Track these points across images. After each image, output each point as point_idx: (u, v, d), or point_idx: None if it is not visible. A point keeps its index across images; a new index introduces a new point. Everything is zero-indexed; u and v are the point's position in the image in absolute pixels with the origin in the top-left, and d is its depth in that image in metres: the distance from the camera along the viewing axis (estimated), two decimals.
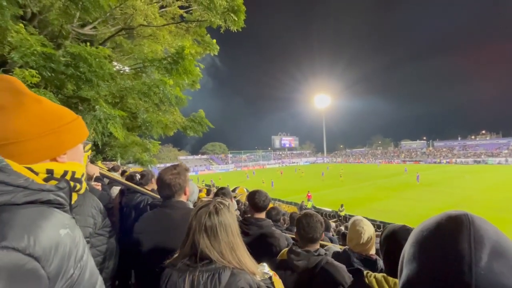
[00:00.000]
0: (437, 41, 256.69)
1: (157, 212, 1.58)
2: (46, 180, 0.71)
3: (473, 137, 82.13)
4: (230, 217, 0.98)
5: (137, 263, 1.54)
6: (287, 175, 46.19)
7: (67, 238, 0.60)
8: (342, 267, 1.42)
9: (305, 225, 1.50)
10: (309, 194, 21.10)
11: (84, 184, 0.87)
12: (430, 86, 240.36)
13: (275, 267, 1.47)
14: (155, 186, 2.84)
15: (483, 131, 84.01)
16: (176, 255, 1.00)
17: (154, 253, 1.40)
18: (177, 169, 1.53)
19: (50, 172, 0.72)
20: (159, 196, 2.36)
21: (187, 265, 0.93)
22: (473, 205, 18.02)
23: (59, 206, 0.66)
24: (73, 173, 0.80)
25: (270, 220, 2.08)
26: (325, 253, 1.50)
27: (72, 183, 0.78)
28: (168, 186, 1.49)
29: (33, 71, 3.69)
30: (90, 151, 1.72)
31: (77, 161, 0.84)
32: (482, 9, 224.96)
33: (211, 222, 0.94)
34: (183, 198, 1.57)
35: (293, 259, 1.45)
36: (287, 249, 1.57)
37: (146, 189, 2.67)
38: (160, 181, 1.51)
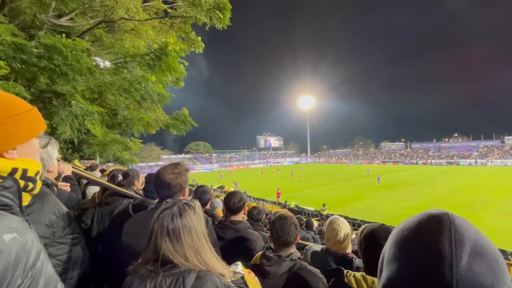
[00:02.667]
0: (415, 47, 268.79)
1: (153, 213, 1.49)
2: None
3: (446, 139, 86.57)
4: (195, 219, 0.93)
5: (122, 268, 1.44)
6: (260, 175, 46.70)
7: (14, 244, 0.54)
8: (316, 271, 1.39)
9: (278, 228, 1.46)
10: (278, 192, 22.25)
11: (39, 183, 0.79)
12: (408, 90, 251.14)
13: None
14: (138, 187, 2.69)
15: (456, 134, 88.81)
16: (138, 261, 0.93)
17: None
18: (178, 169, 1.44)
19: None
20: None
21: (150, 270, 0.87)
22: (447, 204, 19.02)
23: (5, 207, 0.59)
24: (24, 170, 0.71)
25: (247, 222, 2.04)
26: (299, 257, 1.46)
27: (22, 182, 0.70)
28: (168, 186, 1.39)
29: (2, 62, 3.43)
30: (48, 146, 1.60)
31: (30, 157, 0.75)
32: (457, 16, 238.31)
33: (174, 225, 0.89)
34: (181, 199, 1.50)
35: (264, 264, 1.40)
36: (260, 253, 1.53)
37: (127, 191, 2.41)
38: (160, 180, 1.41)
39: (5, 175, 0.66)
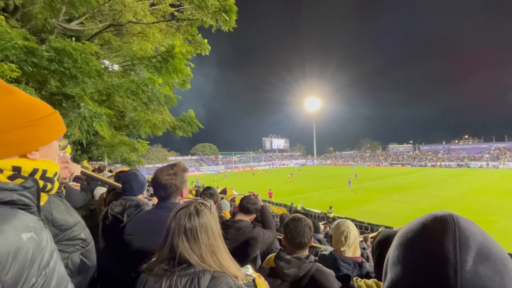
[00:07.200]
0: (425, 48, 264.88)
1: (151, 213, 1.50)
2: (11, 178, 0.65)
3: (456, 141, 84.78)
4: (211, 219, 0.94)
5: (124, 267, 1.45)
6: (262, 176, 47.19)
7: (31, 243, 0.55)
8: (331, 273, 1.38)
9: (292, 229, 1.44)
10: (270, 192, 22.59)
11: (57, 184, 0.81)
12: (417, 91, 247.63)
13: (264, 275, 1.41)
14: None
15: (466, 136, 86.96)
16: (153, 259, 0.94)
17: (144, 256, 1.33)
18: (174, 169, 1.44)
19: (17, 169, 0.66)
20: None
21: (165, 269, 0.88)
22: (456, 207, 18.58)
23: (24, 207, 0.60)
24: (44, 171, 0.74)
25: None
26: (315, 259, 1.45)
27: (42, 183, 0.72)
28: (164, 187, 1.41)
29: (13, 66, 3.52)
30: (69, 149, 1.63)
31: (50, 158, 0.78)
32: (467, 16, 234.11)
33: (191, 224, 0.89)
34: (179, 199, 1.49)
35: (283, 267, 1.37)
36: (273, 255, 1.51)
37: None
38: (155, 181, 1.43)
39: (27, 175, 0.68)
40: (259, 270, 1.51)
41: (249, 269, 1.05)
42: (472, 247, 0.39)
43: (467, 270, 0.37)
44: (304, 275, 1.35)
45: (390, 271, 0.46)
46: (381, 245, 1.11)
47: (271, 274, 1.43)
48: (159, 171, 1.45)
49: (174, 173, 1.43)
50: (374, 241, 1.18)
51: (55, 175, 0.79)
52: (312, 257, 1.44)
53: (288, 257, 1.40)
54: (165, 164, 1.55)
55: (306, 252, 1.47)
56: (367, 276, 1.08)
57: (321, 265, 1.43)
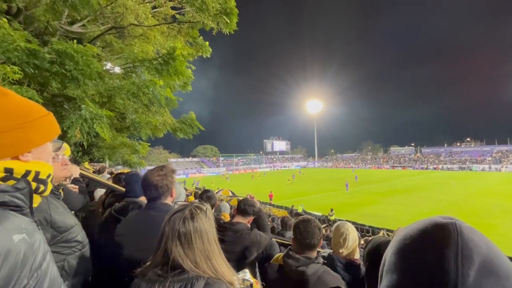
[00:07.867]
0: (426, 50, 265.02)
1: (141, 214, 1.51)
2: (3, 179, 0.64)
3: (458, 144, 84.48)
4: (207, 223, 0.92)
5: (115, 269, 1.44)
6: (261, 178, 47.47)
7: (22, 244, 0.55)
8: (338, 277, 1.38)
9: (302, 230, 1.46)
10: (270, 194, 22.84)
11: (50, 186, 0.80)
12: (418, 93, 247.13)
13: (272, 272, 1.42)
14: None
15: (468, 139, 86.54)
16: (147, 263, 0.92)
17: (134, 257, 1.31)
18: (164, 170, 1.49)
19: (9, 171, 0.66)
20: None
21: (158, 275, 0.86)
22: (458, 210, 18.47)
23: (16, 208, 0.60)
24: (37, 173, 0.73)
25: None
26: (324, 262, 1.46)
27: (34, 184, 0.72)
28: (155, 188, 1.44)
29: (16, 68, 3.54)
30: (69, 150, 1.63)
31: (43, 160, 0.78)
32: (469, 18, 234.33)
33: (186, 229, 0.87)
34: (169, 200, 1.51)
35: (292, 265, 1.39)
36: (282, 254, 1.52)
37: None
38: (146, 182, 1.45)
39: (19, 177, 0.68)
40: (267, 267, 1.52)
41: (247, 274, 1.03)
42: (475, 260, 0.36)
43: (468, 285, 0.35)
44: (311, 275, 1.35)
45: (386, 277, 0.44)
46: (372, 255, 1.06)
47: (279, 271, 1.44)
48: (149, 172, 1.50)
49: (165, 174, 1.48)
50: (364, 251, 1.14)
51: (48, 177, 0.79)
52: (321, 259, 1.45)
53: (298, 255, 1.42)
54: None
55: (315, 253, 1.49)
56: (364, 279, 1.06)
57: (329, 268, 1.44)
